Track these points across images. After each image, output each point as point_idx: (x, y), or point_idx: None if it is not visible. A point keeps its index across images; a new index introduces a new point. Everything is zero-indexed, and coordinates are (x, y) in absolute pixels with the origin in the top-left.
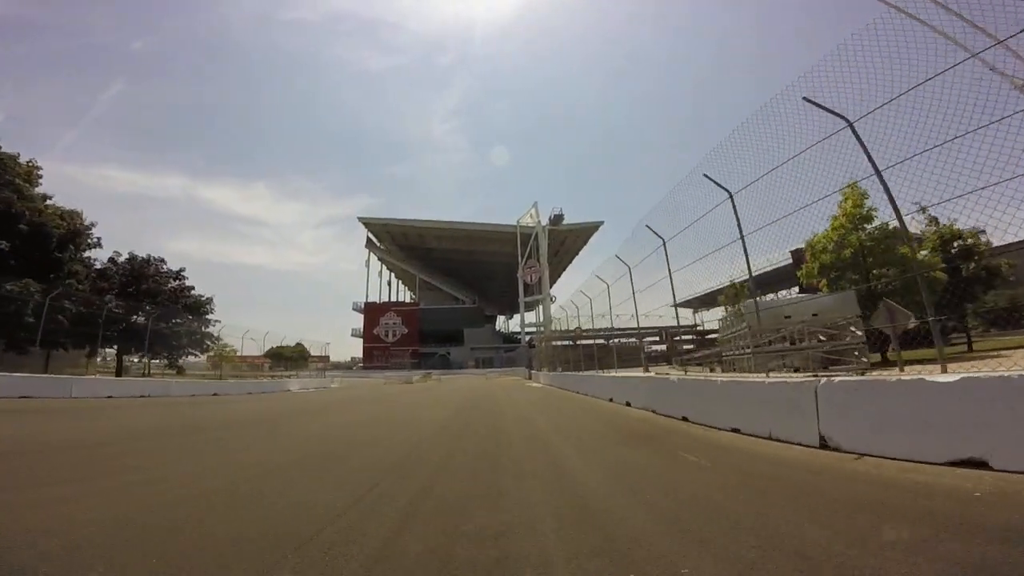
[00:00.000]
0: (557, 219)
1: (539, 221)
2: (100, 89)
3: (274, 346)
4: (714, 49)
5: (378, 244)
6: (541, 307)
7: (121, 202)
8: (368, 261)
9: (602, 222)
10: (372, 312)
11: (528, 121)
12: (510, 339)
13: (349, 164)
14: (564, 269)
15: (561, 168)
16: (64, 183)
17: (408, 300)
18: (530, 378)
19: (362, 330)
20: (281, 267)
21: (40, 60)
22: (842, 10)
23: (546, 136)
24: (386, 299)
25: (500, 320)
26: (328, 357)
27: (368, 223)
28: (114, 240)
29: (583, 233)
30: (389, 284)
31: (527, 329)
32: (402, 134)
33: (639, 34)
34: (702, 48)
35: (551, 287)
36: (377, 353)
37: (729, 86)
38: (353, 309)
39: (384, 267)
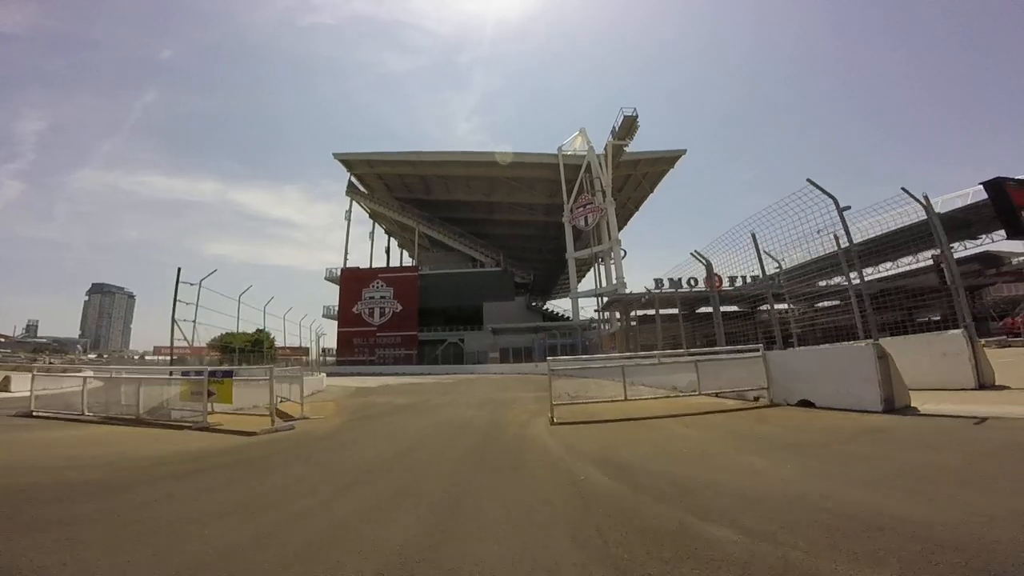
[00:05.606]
0: (626, 128)
1: (591, 148)
2: (133, 98)
3: (223, 333)
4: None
5: (364, 190)
6: (602, 264)
7: (162, 207)
8: (349, 213)
9: (684, 150)
10: (351, 282)
11: (548, 116)
12: (554, 317)
13: None
14: (626, 222)
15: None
16: (106, 191)
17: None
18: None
19: (336, 309)
20: (311, 267)
21: (74, 72)
22: None
23: (571, 129)
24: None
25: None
26: (309, 350)
27: (348, 161)
28: (160, 245)
29: (656, 167)
30: (387, 252)
31: (580, 303)
32: (426, 133)
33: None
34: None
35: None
36: (358, 341)
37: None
38: (326, 279)
39: (379, 227)
